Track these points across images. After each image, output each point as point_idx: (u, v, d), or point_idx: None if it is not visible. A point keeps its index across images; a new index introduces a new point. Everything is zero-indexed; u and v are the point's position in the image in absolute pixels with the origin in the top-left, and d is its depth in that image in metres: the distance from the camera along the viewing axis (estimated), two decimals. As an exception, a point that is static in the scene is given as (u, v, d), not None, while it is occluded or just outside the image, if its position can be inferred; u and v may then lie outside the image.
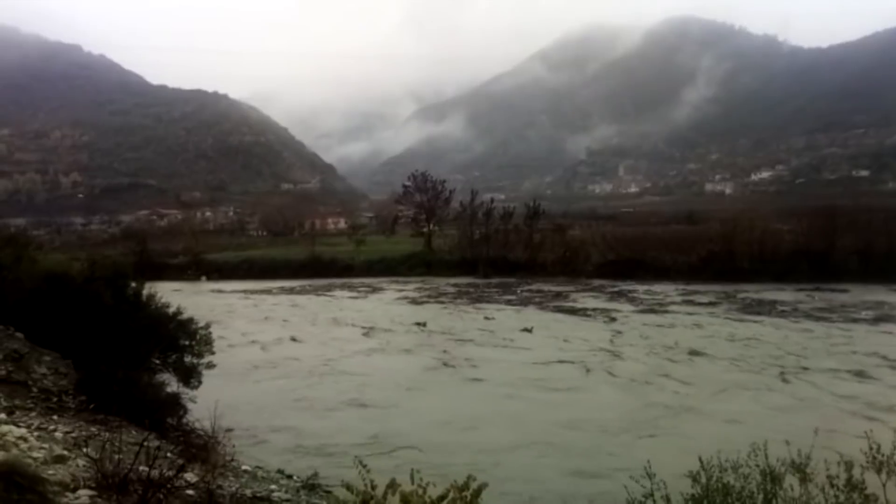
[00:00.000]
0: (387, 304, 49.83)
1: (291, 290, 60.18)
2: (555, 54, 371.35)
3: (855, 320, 36.74)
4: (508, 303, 48.32)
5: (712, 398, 20.88)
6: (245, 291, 59.77)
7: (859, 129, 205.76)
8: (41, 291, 14.08)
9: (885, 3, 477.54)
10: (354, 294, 56.41)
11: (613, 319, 38.07)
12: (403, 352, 29.92)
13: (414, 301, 51.47)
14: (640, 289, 53.33)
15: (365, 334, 34.73)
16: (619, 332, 33.36)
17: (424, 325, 36.80)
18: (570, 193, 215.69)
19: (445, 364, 26.83)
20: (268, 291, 59.47)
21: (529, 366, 26.05)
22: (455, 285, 61.69)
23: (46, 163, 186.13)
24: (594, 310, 42.65)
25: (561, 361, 26.75)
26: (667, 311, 41.00)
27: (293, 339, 32.45)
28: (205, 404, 13.42)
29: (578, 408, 19.86)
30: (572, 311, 42.46)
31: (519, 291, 54.95)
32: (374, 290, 59.47)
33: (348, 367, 26.06)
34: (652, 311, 41.10)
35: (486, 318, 40.12)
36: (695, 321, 36.98)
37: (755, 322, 36.19)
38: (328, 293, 57.50)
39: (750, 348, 28.97)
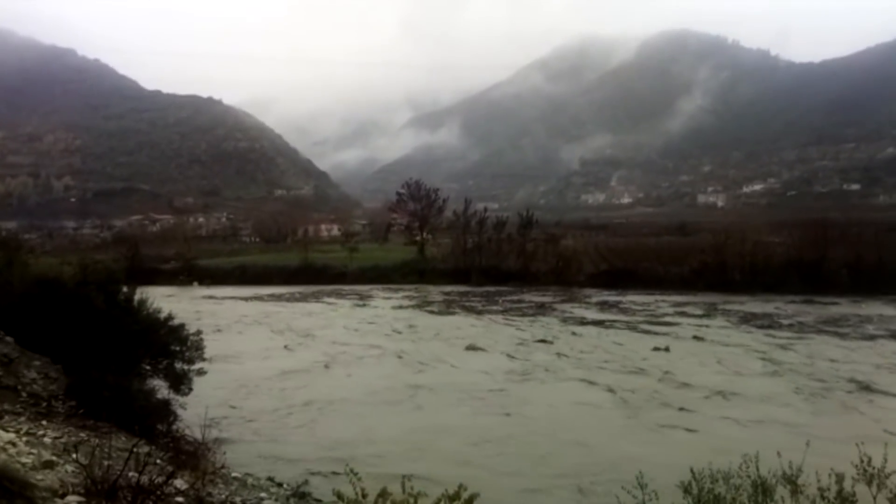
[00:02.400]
0: (376, 312, 49.75)
1: (285, 297, 60.03)
2: (551, 64, 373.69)
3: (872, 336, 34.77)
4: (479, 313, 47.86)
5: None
6: (235, 298, 59.61)
7: (850, 143, 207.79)
8: (32, 295, 14.00)
9: (876, 19, 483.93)
10: (350, 301, 56.27)
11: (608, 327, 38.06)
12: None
13: (400, 307, 51.59)
14: (638, 300, 53.18)
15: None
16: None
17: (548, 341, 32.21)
18: (564, 203, 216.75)
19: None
20: (259, 298, 59.30)
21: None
22: (447, 293, 61.73)
23: (39, 166, 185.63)
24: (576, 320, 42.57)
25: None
26: (669, 324, 40.10)
27: (286, 348, 32.10)
28: (194, 411, 13.41)
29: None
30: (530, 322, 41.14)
31: (501, 301, 54.81)
32: (365, 297, 59.40)
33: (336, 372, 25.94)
34: (647, 323, 40.86)
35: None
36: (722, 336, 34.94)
37: (785, 338, 33.47)
38: (324, 300, 57.41)
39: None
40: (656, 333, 35.45)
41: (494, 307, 50.64)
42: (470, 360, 28.30)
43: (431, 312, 48.23)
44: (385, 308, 51.27)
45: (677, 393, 21.61)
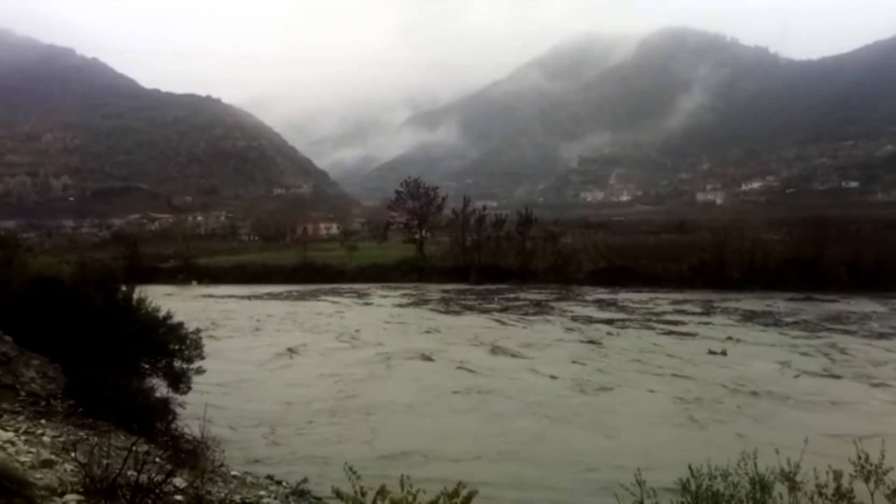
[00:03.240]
0: (366, 310, 49.71)
1: (294, 295, 60.07)
2: (549, 62, 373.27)
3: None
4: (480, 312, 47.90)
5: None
6: (237, 297, 59.63)
7: (849, 141, 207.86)
8: (30, 295, 13.99)
9: (875, 17, 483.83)
10: (360, 300, 56.24)
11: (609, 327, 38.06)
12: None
13: (414, 305, 51.40)
14: (643, 297, 53.17)
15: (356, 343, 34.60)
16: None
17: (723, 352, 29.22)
18: (562, 201, 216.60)
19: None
20: (261, 296, 59.32)
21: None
22: (448, 292, 61.76)
23: (37, 165, 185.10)
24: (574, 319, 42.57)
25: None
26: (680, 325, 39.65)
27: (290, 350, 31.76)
28: (193, 410, 13.41)
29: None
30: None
31: (496, 300, 54.80)
32: (363, 294, 59.46)
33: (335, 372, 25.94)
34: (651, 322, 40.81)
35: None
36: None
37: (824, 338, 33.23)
38: (330, 298, 57.38)
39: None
40: (683, 333, 35.05)
41: (510, 307, 49.43)
42: (527, 364, 27.41)
43: (454, 313, 47.24)
44: (394, 307, 51.17)
45: (777, 407, 20.02)
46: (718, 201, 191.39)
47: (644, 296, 54.14)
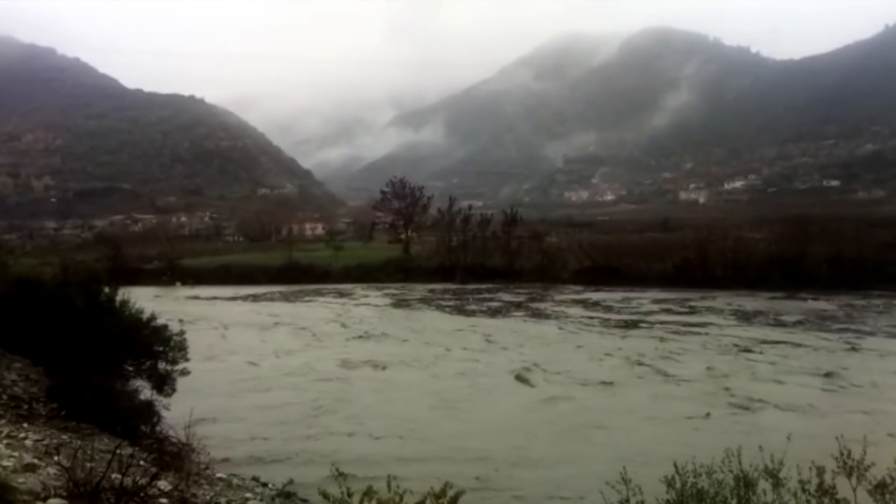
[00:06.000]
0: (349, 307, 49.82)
1: (292, 296, 59.96)
2: (535, 62, 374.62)
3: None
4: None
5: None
6: (222, 298, 59.32)
7: (830, 140, 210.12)
8: (12, 296, 13.83)
9: (855, 17, 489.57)
10: (344, 300, 56.20)
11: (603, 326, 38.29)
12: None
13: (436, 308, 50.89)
14: (618, 297, 53.57)
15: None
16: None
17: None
18: (548, 200, 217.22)
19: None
20: (243, 298, 59.04)
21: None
22: (432, 291, 61.92)
23: (19, 166, 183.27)
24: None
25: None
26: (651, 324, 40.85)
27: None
28: (178, 412, 13.31)
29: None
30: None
31: (471, 299, 55.03)
32: (346, 295, 59.40)
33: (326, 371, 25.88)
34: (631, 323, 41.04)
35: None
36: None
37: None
38: (317, 298, 57.30)
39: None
40: (701, 334, 34.66)
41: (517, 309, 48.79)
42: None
43: (479, 315, 45.94)
44: (376, 307, 51.22)
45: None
46: (701, 200, 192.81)
47: (641, 294, 54.37)
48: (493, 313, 46.53)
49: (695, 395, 21.52)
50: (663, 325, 37.91)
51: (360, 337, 35.43)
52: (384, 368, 26.26)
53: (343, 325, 40.06)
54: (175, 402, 14.02)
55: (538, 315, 44.42)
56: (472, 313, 46.55)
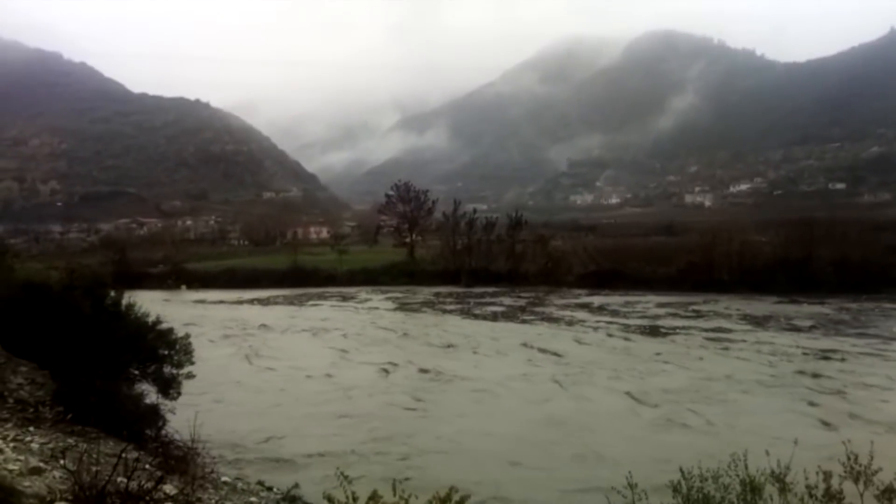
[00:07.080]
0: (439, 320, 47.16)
1: (305, 299, 59.87)
2: (538, 65, 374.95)
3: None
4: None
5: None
6: (229, 301, 59.41)
7: (835, 143, 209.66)
8: (18, 300, 13.87)
9: (860, 20, 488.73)
10: (354, 303, 56.12)
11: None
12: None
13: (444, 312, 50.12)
14: (622, 300, 53.39)
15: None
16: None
17: None
18: (552, 204, 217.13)
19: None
20: (249, 301, 59.13)
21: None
22: (436, 294, 61.86)
23: (24, 170, 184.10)
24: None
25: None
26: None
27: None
28: (183, 415, 13.32)
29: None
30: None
31: (472, 303, 54.80)
32: (350, 298, 59.41)
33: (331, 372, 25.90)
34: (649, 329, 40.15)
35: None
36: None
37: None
38: (319, 302, 57.30)
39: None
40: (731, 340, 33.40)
41: (533, 314, 47.25)
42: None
43: (503, 320, 44.84)
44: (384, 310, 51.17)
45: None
46: (707, 203, 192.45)
47: (651, 298, 53.97)
48: (510, 318, 45.12)
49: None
50: (685, 332, 35.92)
51: (434, 345, 33.48)
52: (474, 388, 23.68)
53: (405, 334, 37.98)
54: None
55: (553, 320, 42.99)
56: (495, 317, 45.19)
